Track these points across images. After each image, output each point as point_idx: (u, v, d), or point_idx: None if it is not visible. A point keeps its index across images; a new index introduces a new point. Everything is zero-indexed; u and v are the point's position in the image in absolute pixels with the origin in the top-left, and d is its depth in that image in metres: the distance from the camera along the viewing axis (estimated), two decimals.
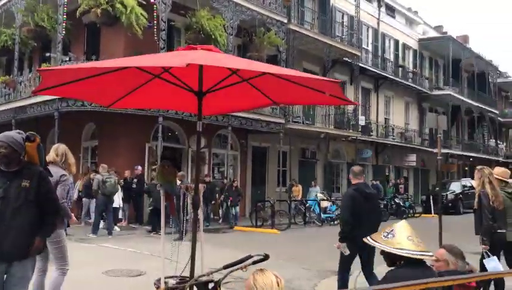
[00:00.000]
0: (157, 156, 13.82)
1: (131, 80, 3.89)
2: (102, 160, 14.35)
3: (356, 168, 5.65)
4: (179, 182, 10.93)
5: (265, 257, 2.96)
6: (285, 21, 16.54)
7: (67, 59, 12.99)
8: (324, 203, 16.43)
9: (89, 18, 14.40)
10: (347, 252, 5.16)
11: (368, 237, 2.54)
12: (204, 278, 3.19)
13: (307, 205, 16.09)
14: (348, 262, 5.30)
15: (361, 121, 21.46)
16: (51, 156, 4.85)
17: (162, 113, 13.05)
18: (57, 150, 4.91)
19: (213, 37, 12.90)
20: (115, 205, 12.29)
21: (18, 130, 3.69)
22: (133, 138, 14.51)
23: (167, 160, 4.25)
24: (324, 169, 21.32)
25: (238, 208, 14.62)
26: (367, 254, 5.24)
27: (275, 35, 15.54)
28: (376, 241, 2.50)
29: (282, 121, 16.68)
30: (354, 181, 5.52)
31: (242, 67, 3.01)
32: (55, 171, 4.59)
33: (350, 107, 22.08)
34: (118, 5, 11.37)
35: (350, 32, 22.65)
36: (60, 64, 12.70)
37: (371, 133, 23.41)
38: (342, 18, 22.80)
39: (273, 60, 15.94)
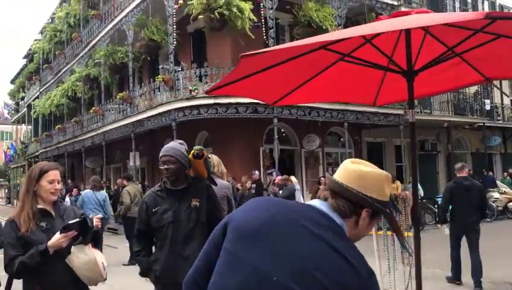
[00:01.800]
0: (273, 159, 13.31)
1: (311, 66, 3.21)
2: None
3: (457, 165, 6.89)
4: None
5: None
6: (396, 3, 15.16)
7: (180, 69, 13.02)
8: None
9: (195, 26, 14.44)
10: (446, 232, 6.65)
11: None
12: None
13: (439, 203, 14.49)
14: (456, 241, 6.40)
15: (487, 105, 19.10)
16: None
17: (276, 114, 12.50)
18: (212, 161, 4.51)
19: (324, 28, 12.07)
20: None
21: (180, 141, 3.18)
22: (246, 142, 14.19)
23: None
24: (446, 162, 19.32)
25: None
26: (471, 235, 6.30)
27: None
28: None
29: (402, 112, 15.27)
30: (458, 174, 6.67)
31: None
32: (221, 184, 4.18)
33: (471, 91, 19.84)
34: (234, 9, 11.04)
35: (463, 8, 20.38)
36: (173, 75, 12.78)
37: (498, 118, 20.82)
38: None
39: None
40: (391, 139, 17.08)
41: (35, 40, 26.85)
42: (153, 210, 3.03)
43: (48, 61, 25.41)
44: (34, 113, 25.40)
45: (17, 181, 35.99)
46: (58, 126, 22.60)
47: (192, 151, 3.08)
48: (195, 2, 11.44)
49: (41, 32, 26.45)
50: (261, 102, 12.33)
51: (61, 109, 22.19)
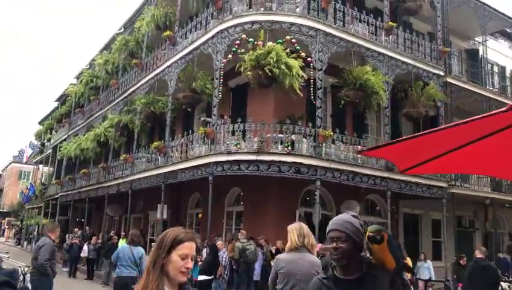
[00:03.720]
0: (310, 224, 12.58)
1: (473, 133, 2.73)
2: (248, 227, 13.55)
3: (482, 248, 8.31)
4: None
5: None
6: (442, 74, 15.00)
7: (222, 123, 12.74)
8: None
9: (236, 81, 14.35)
10: None
11: None
12: None
13: None
14: None
15: None
16: (294, 240, 3.92)
17: (319, 176, 11.96)
18: (301, 230, 3.96)
19: (380, 93, 11.80)
20: None
21: (352, 213, 2.47)
22: (281, 203, 13.56)
23: None
24: (484, 240, 18.29)
25: None
26: None
27: (433, 89, 14.02)
28: None
29: (445, 184, 14.63)
30: (478, 255, 7.70)
31: None
32: (312, 261, 3.61)
33: None
34: (282, 66, 10.86)
35: (502, 84, 20.23)
36: (216, 128, 12.47)
37: None
38: (492, 69, 20.59)
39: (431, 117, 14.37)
40: (429, 212, 16.31)
41: (70, 84, 27.34)
42: None
43: (80, 105, 25.65)
44: (60, 155, 25.27)
45: (30, 222, 35.36)
46: (83, 170, 22.29)
47: (367, 233, 2.38)
48: (246, 58, 11.33)
49: (78, 78, 26.96)
50: (304, 162, 11.97)
51: (86, 154, 21.98)
